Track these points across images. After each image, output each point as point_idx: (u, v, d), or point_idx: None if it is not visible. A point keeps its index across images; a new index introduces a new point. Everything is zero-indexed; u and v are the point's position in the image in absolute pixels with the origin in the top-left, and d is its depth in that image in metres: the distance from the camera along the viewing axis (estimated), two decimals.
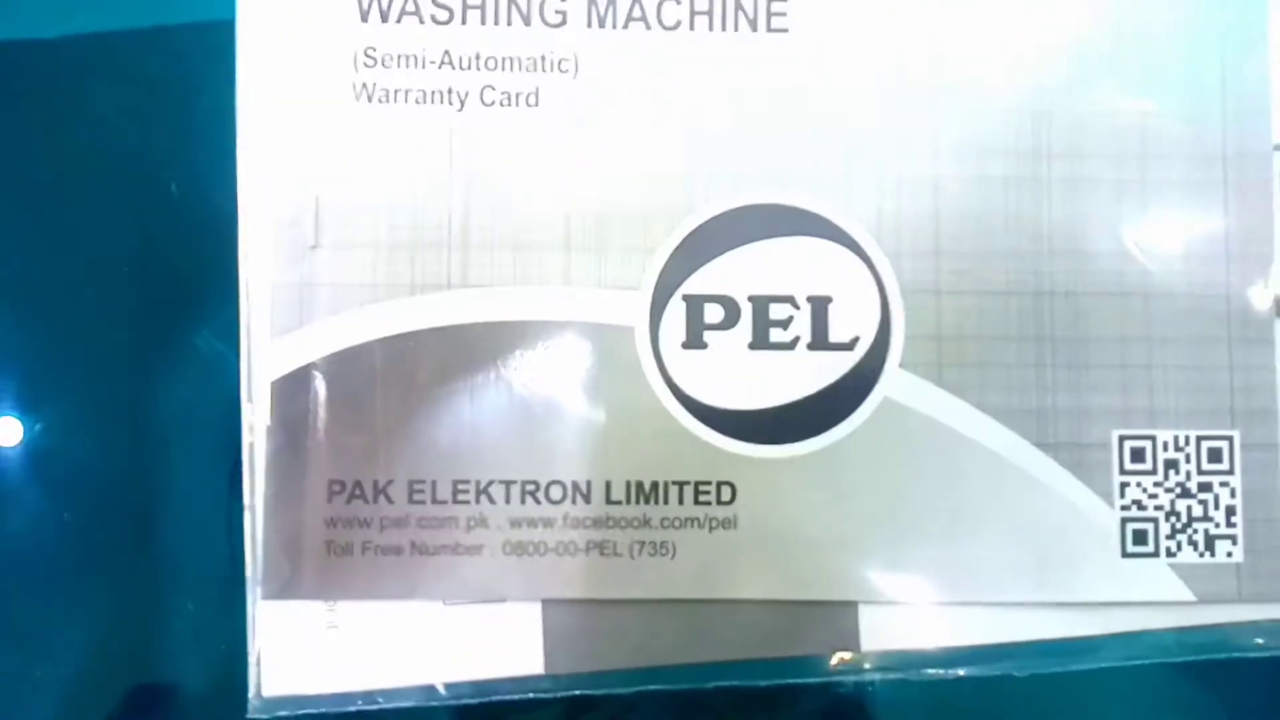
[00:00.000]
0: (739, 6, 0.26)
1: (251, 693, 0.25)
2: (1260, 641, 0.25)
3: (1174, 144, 0.26)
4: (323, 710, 0.25)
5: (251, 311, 0.25)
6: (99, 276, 0.26)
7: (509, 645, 0.25)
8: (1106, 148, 0.26)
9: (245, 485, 0.25)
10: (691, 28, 0.25)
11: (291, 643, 0.25)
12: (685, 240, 0.25)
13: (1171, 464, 0.25)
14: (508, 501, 0.25)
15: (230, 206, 0.25)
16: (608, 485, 0.25)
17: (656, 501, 0.25)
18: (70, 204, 0.26)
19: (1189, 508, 0.25)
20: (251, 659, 0.25)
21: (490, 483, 0.25)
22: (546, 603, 0.25)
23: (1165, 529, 0.25)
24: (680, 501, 0.25)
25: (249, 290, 0.25)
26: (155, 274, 0.26)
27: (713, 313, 0.25)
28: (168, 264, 0.26)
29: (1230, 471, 0.25)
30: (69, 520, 0.26)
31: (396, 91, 0.25)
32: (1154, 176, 0.26)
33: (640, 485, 0.25)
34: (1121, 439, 0.25)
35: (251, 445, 0.25)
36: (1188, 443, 0.25)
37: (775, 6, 0.26)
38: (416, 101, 0.25)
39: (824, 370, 0.25)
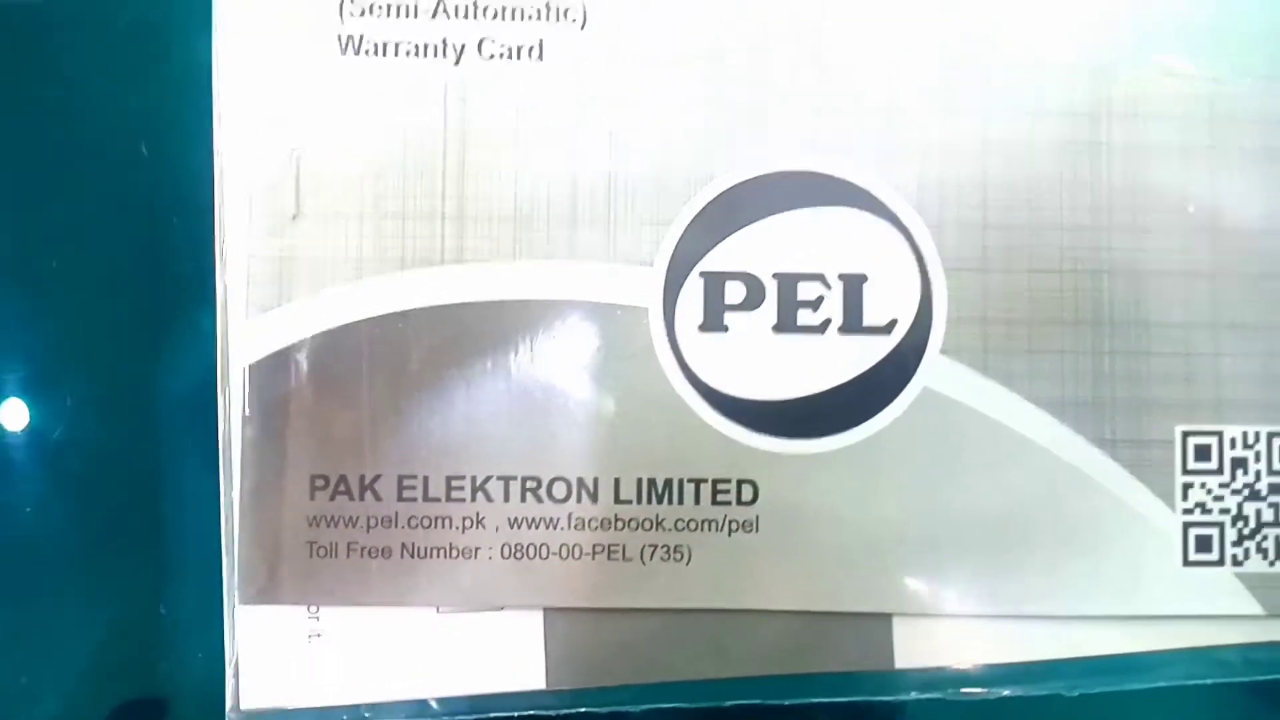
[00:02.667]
0: None
1: (229, 705, 0.24)
2: None
3: (1247, 106, 0.24)
4: None
5: (228, 287, 0.24)
6: (63, 247, 0.25)
7: (508, 657, 0.24)
8: (1172, 110, 0.24)
9: (221, 479, 0.24)
10: None
11: (272, 652, 0.24)
12: (704, 211, 0.24)
13: (1239, 463, 0.24)
14: (507, 500, 0.24)
15: (206, 171, 0.24)
16: (616, 483, 0.24)
17: (670, 501, 0.24)
18: (31, 168, 0.25)
19: (1258, 511, 0.24)
20: (229, 669, 0.24)
21: (488, 479, 0.24)
22: (549, 611, 0.24)
23: (1231, 535, 0.24)
24: (696, 501, 0.24)
25: (225, 264, 0.24)
26: (125, 244, 0.25)
27: (734, 292, 0.24)
28: (138, 233, 0.25)
29: None
30: (30, 514, 0.25)
31: (386, 44, 0.24)
32: (1224, 142, 0.24)
33: (653, 483, 0.24)
34: (1185, 435, 0.24)
35: (227, 435, 0.24)
36: (1258, 439, 0.24)
37: None
38: (408, 55, 0.24)
39: (857, 356, 0.24)
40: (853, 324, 0.24)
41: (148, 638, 0.25)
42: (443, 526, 0.24)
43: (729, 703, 0.24)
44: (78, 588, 0.25)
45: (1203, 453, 0.24)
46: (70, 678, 0.25)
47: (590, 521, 0.24)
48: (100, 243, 0.25)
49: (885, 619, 0.24)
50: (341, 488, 0.23)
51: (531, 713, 0.24)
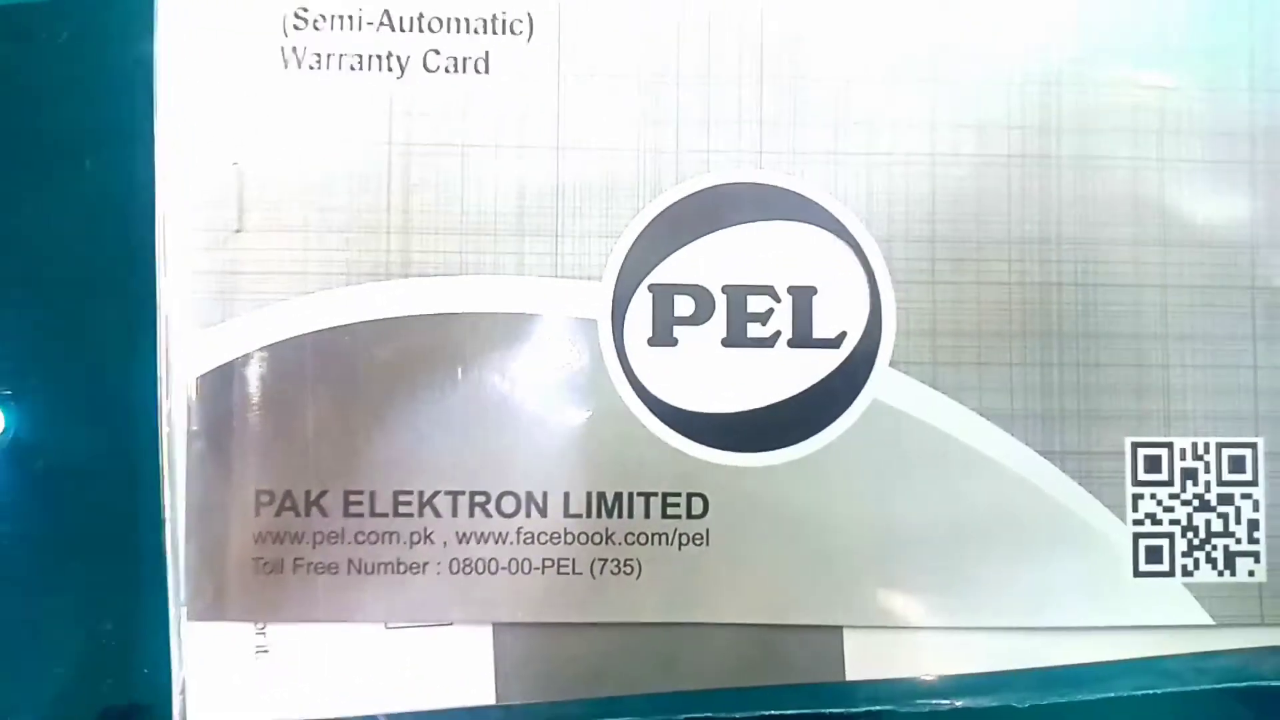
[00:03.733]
0: None
1: None
2: None
3: (1195, 119, 0.25)
4: None
5: (170, 302, 0.24)
6: (5, 261, 0.25)
7: (457, 672, 0.24)
8: (1121, 122, 0.24)
9: (164, 495, 0.24)
10: None
11: (218, 668, 0.24)
12: (652, 224, 0.24)
13: (1189, 474, 0.24)
14: (455, 514, 0.23)
15: (149, 185, 0.24)
16: (566, 497, 0.24)
17: (620, 515, 0.24)
18: None
19: (1207, 522, 0.24)
20: (175, 685, 0.24)
21: (435, 494, 0.23)
22: (498, 626, 0.24)
23: (1181, 545, 0.24)
24: (646, 515, 0.24)
25: (168, 278, 0.24)
26: (68, 258, 0.25)
27: (683, 305, 0.24)
28: (81, 248, 0.25)
29: (1253, 482, 0.24)
30: None
31: (330, 56, 0.24)
32: (1173, 155, 0.24)
33: (602, 497, 0.24)
34: (1135, 446, 0.24)
35: (170, 450, 0.24)
36: (1207, 450, 0.24)
37: None
38: (352, 67, 0.24)
39: (807, 369, 0.24)
40: (802, 337, 0.24)
41: (93, 655, 0.24)
42: (390, 542, 0.23)
43: (680, 716, 0.24)
44: (21, 604, 0.25)
45: (1153, 464, 0.24)
46: (12, 695, 0.24)
47: (539, 536, 0.23)
48: (43, 257, 0.25)
49: (836, 631, 0.24)
50: (287, 503, 0.23)
51: None
